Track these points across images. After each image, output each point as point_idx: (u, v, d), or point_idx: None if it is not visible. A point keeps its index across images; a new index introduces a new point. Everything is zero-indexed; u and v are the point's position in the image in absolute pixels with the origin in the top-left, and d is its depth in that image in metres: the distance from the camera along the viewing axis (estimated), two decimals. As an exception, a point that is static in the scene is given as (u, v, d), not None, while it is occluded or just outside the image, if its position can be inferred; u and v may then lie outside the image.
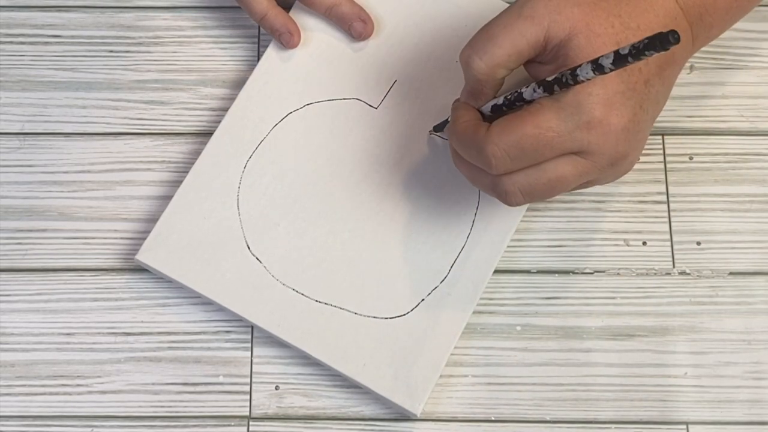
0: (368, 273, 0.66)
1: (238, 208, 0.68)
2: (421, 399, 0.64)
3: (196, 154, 0.70)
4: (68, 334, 0.67)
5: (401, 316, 0.66)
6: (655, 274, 0.68)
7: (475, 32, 0.66)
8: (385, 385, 0.64)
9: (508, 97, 0.61)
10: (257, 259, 0.67)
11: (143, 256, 0.67)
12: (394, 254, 0.67)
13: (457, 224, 0.67)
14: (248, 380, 0.67)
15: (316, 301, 0.66)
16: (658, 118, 0.71)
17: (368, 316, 0.66)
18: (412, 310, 0.66)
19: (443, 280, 0.66)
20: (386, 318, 0.66)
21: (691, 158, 0.70)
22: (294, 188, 0.68)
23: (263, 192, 0.68)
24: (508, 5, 0.62)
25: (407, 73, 0.70)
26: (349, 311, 0.66)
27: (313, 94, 0.70)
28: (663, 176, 0.70)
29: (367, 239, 0.67)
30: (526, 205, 0.68)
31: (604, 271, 0.68)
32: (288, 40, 0.70)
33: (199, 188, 0.68)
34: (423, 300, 0.66)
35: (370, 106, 0.70)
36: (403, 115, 0.70)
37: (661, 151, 0.71)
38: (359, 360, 0.65)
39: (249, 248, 0.67)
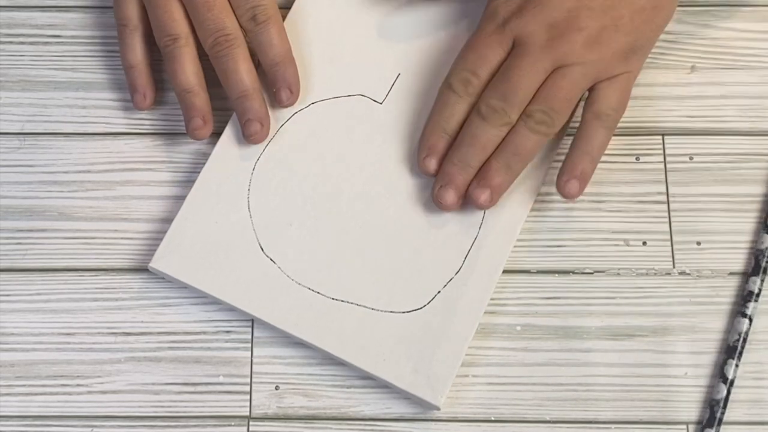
0: (383, 268, 0.66)
1: (249, 210, 0.68)
2: (443, 391, 0.64)
3: (197, 154, 0.70)
4: (68, 334, 0.67)
5: (418, 309, 0.66)
6: (655, 274, 0.68)
7: (477, 23, 0.67)
8: (405, 379, 0.64)
9: None
10: (271, 260, 0.67)
11: (157, 264, 0.66)
12: (408, 248, 0.67)
13: (469, 215, 0.67)
14: (248, 380, 0.66)
15: (333, 298, 0.66)
16: (659, 118, 0.71)
17: (385, 311, 0.66)
18: (428, 303, 0.66)
19: (458, 272, 0.66)
20: (403, 312, 0.66)
21: (691, 158, 0.70)
22: (304, 187, 0.68)
23: (274, 192, 0.68)
24: None
25: (410, 67, 0.71)
26: (365, 307, 0.66)
27: (318, 93, 0.70)
28: (663, 176, 0.70)
29: (380, 234, 0.67)
30: (536, 194, 0.68)
31: (604, 271, 0.68)
32: (139, 100, 0.70)
33: (208, 192, 0.68)
34: (439, 292, 0.66)
35: (375, 101, 0.70)
36: (408, 109, 0.70)
37: (661, 151, 0.71)
38: (378, 355, 0.65)
39: (262, 249, 0.67)
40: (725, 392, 0.65)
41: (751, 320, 0.66)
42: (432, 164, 0.67)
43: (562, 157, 0.69)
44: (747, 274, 0.68)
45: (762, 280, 0.67)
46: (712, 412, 0.65)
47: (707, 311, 0.68)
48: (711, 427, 0.64)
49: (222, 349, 0.67)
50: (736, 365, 0.65)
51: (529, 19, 0.66)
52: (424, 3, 0.72)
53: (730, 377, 0.65)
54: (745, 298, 0.67)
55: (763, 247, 0.68)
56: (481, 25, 0.68)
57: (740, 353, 0.65)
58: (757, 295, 0.67)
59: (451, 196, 0.66)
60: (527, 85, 0.65)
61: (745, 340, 0.66)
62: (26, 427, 0.66)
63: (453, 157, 0.66)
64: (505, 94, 0.65)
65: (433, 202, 0.67)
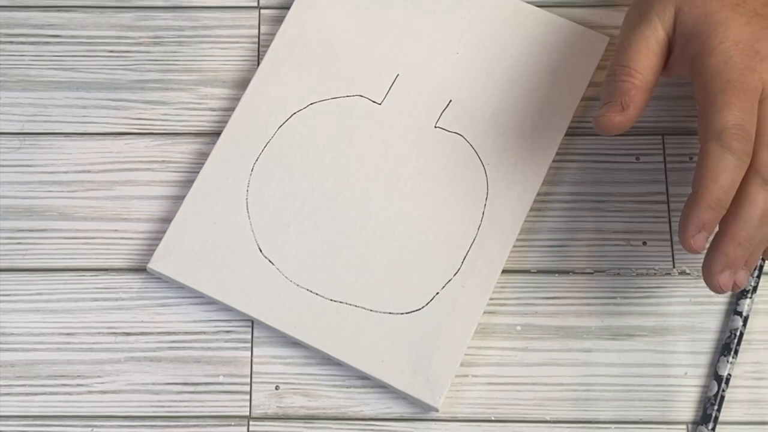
0: (381, 269, 0.67)
1: (248, 212, 0.68)
2: (441, 392, 0.64)
3: (196, 154, 0.70)
4: (68, 334, 0.67)
5: (417, 310, 0.66)
6: (655, 274, 0.68)
7: (474, 24, 0.67)
8: (404, 380, 0.64)
9: None
10: (270, 261, 0.67)
11: (155, 265, 0.66)
12: (406, 249, 0.67)
13: (467, 216, 0.67)
14: (248, 380, 0.67)
15: (331, 300, 0.66)
16: (658, 118, 0.71)
17: (384, 313, 0.66)
18: (427, 304, 0.66)
19: (456, 273, 0.66)
20: (402, 313, 0.66)
21: (691, 158, 0.70)
22: (302, 189, 0.68)
23: (272, 194, 0.68)
24: None
25: (409, 67, 0.71)
26: (364, 308, 0.66)
27: (316, 94, 0.70)
28: (663, 176, 0.70)
29: (378, 236, 0.67)
30: (535, 194, 0.68)
31: (604, 271, 0.68)
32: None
33: (207, 193, 0.68)
34: (437, 294, 0.66)
35: (374, 102, 0.70)
36: (407, 109, 0.70)
37: (661, 151, 0.71)
38: (377, 357, 0.65)
39: (261, 251, 0.67)
40: (716, 389, 0.65)
41: (745, 318, 0.66)
42: (705, 243, 0.59)
43: (562, 158, 0.69)
44: (747, 274, 0.68)
45: (758, 278, 0.67)
46: (705, 409, 0.65)
47: (707, 311, 0.68)
48: (703, 424, 0.64)
49: (222, 349, 0.67)
50: (729, 362, 0.65)
51: None
52: None
53: (721, 374, 0.65)
54: (738, 296, 0.67)
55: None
56: (722, 71, 0.59)
57: (735, 351, 0.65)
58: (750, 292, 0.67)
59: (730, 279, 0.60)
60: None
61: (738, 337, 0.66)
62: (26, 427, 0.66)
63: (739, 236, 0.58)
64: None
65: (708, 284, 0.60)
